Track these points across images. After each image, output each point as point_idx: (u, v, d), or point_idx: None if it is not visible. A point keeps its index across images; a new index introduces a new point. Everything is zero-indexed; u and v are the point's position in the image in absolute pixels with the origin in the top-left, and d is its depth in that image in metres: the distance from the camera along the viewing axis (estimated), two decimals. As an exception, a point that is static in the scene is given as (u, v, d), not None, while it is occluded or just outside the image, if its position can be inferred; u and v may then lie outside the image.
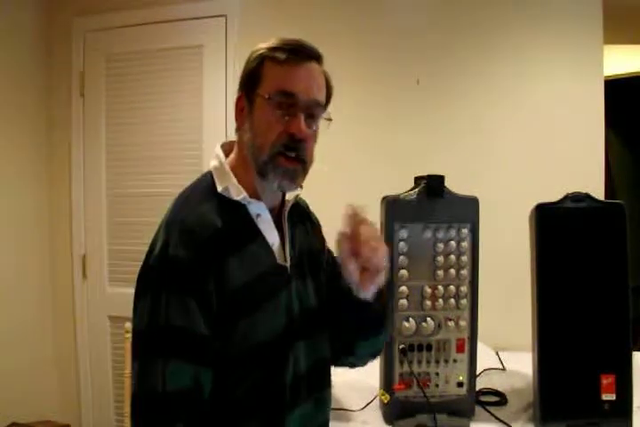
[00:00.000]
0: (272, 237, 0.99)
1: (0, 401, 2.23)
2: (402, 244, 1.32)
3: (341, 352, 1.10)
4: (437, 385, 1.34)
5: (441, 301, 1.33)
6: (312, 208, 1.17)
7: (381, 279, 0.98)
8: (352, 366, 1.15)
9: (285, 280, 0.99)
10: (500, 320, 1.78)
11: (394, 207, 1.33)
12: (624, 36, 2.70)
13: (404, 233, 1.32)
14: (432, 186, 1.33)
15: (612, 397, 1.27)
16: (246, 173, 0.97)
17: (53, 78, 2.58)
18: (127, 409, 1.72)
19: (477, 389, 1.41)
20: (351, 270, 0.94)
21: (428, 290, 1.33)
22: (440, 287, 1.33)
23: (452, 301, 1.34)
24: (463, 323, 1.34)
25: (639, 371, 1.35)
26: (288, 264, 1.00)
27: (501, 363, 1.75)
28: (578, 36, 2.10)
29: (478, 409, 1.39)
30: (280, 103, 0.93)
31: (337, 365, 1.12)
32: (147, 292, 0.90)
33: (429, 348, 1.34)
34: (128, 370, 1.80)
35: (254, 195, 0.97)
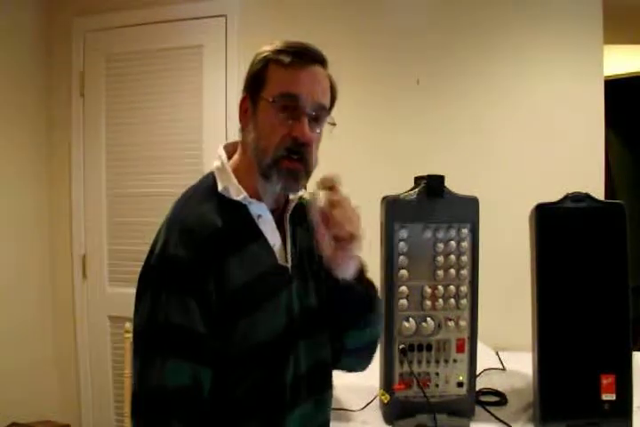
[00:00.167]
0: (273, 237, 0.99)
1: (0, 401, 2.23)
2: (402, 244, 1.32)
3: (338, 351, 1.09)
4: (437, 385, 1.34)
5: (441, 301, 1.33)
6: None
7: (358, 258, 0.96)
8: (350, 368, 1.14)
9: (286, 280, 0.99)
10: (500, 320, 1.78)
11: (394, 207, 1.33)
12: (624, 36, 2.70)
13: (403, 233, 1.32)
14: (432, 186, 1.33)
15: (612, 397, 1.27)
16: (248, 173, 0.97)
17: (53, 78, 2.58)
18: (127, 409, 1.72)
19: (477, 389, 1.41)
20: (321, 240, 0.91)
21: (428, 290, 1.33)
22: (440, 287, 1.33)
23: (452, 301, 1.34)
24: (463, 323, 1.34)
25: (639, 371, 1.35)
26: (289, 265, 1.00)
27: (501, 363, 1.75)
28: (578, 36, 2.10)
29: (478, 409, 1.39)
30: (284, 106, 0.93)
31: (336, 367, 1.11)
32: (147, 291, 0.91)
33: (429, 348, 1.34)
34: (128, 370, 1.80)
35: (255, 195, 0.97)
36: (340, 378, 1.13)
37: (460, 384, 1.35)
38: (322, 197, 0.91)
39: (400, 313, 1.32)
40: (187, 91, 2.40)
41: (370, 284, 1.05)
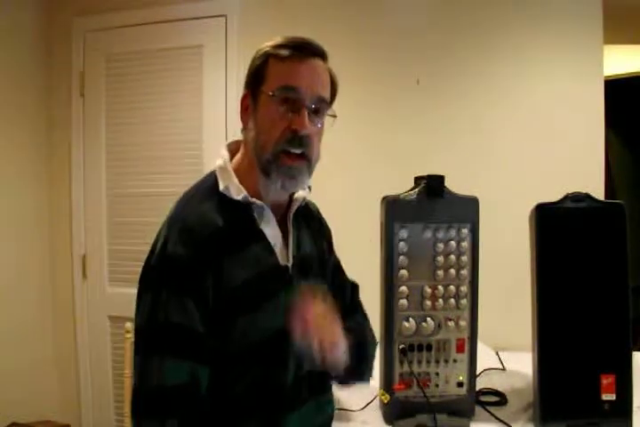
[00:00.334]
0: (274, 237, 0.99)
1: (0, 401, 2.23)
2: (402, 244, 1.32)
3: None
4: (437, 385, 1.34)
5: (441, 301, 1.33)
6: (309, 205, 1.16)
7: (343, 346, 0.95)
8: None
9: (286, 281, 0.98)
10: (500, 320, 1.78)
11: (394, 207, 1.33)
12: (624, 36, 2.70)
13: (404, 233, 1.32)
14: (432, 186, 1.33)
15: (612, 397, 1.27)
16: (250, 172, 0.97)
17: (53, 78, 2.58)
18: (127, 409, 1.72)
19: (477, 389, 1.41)
20: (303, 348, 0.89)
21: (428, 290, 1.33)
22: (440, 287, 1.33)
23: (452, 301, 1.34)
24: (463, 323, 1.34)
25: (639, 371, 1.35)
26: (290, 265, 1.00)
27: (501, 363, 1.75)
28: (578, 36, 2.10)
29: (478, 409, 1.39)
30: (283, 99, 0.93)
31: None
32: (147, 290, 0.91)
33: (429, 348, 1.33)
34: (128, 370, 1.80)
35: (257, 195, 0.97)
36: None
37: (459, 384, 1.35)
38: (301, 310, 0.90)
39: (400, 313, 1.32)
40: (187, 91, 2.40)
41: (361, 354, 1.07)
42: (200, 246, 0.89)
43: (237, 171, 0.98)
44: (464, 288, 1.34)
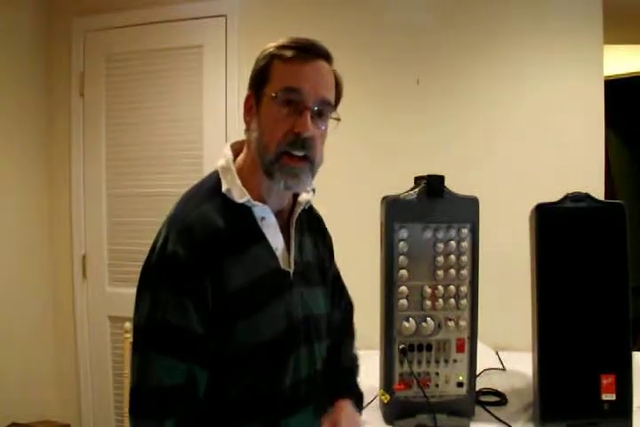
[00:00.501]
0: (276, 241, 0.98)
1: (0, 401, 2.23)
2: (402, 244, 1.32)
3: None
4: (437, 385, 1.34)
5: (441, 301, 1.33)
6: (313, 209, 1.17)
7: None
8: None
9: (287, 285, 0.98)
10: (500, 320, 1.78)
11: (394, 207, 1.33)
12: (624, 36, 2.70)
13: (404, 233, 1.32)
14: (432, 186, 1.33)
15: (612, 397, 1.27)
16: (253, 173, 0.96)
17: (53, 78, 2.58)
18: (127, 409, 1.72)
19: (477, 389, 1.41)
20: None
21: (428, 290, 1.33)
22: (440, 287, 1.33)
23: (452, 301, 1.34)
24: (463, 323, 1.34)
25: (639, 371, 1.35)
26: (291, 270, 0.99)
27: (501, 363, 1.75)
28: (578, 36, 2.10)
29: (478, 409, 1.39)
30: (286, 101, 0.92)
31: None
32: (146, 289, 0.90)
33: (429, 348, 1.34)
34: (128, 370, 1.80)
35: (259, 197, 0.96)
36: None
37: (459, 384, 1.35)
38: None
39: (400, 313, 1.32)
40: (187, 91, 2.40)
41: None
42: (200, 247, 0.89)
43: (240, 171, 0.97)
44: (464, 288, 1.34)
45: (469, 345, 1.35)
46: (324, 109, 0.95)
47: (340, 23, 2.23)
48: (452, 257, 1.33)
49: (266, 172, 0.94)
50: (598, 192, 1.85)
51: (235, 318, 0.90)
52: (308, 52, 0.93)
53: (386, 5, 2.23)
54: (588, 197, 1.33)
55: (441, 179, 1.34)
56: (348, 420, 1.04)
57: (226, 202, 0.94)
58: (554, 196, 1.33)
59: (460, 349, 1.35)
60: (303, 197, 1.05)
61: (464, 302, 1.34)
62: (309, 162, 0.94)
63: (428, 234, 1.33)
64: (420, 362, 1.34)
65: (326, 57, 0.96)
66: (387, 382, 1.33)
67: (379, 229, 1.36)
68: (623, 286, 1.30)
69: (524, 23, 2.14)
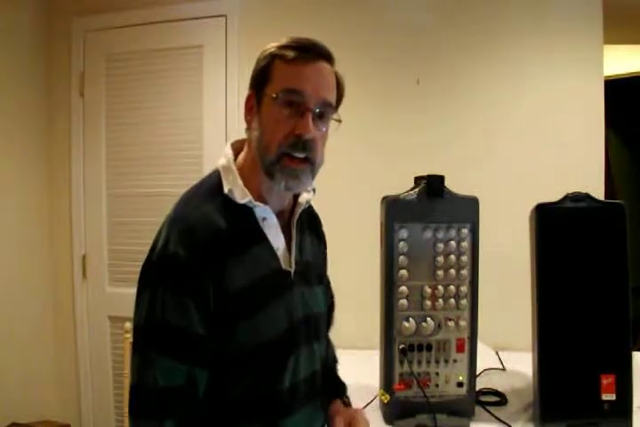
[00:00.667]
0: (277, 241, 0.98)
1: (0, 401, 2.23)
2: (402, 244, 1.32)
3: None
4: (437, 385, 1.34)
5: (441, 301, 1.33)
6: (312, 207, 1.17)
7: None
8: None
9: (288, 285, 0.98)
10: (500, 320, 1.78)
11: (394, 207, 1.33)
12: (624, 36, 2.70)
13: (404, 233, 1.32)
14: (432, 186, 1.33)
15: (612, 397, 1.27)
16: (254, 173, 0.96)
17: (53, 78, 2.58)
18: (127, 409, 1.72)
19: (477, 389, 1.41)
20: None
21: (428, 290, 1.33)
22: (440, 287, 1.33)
23: (452, 301, 1.34)
24: (463, 323, 1.34)
25: (639, 371, 1.35)
26: (292, 270, 0.99)
27: (501, 363, 1.75)
28: (578, 36, 2.10)
29: (478, 409, 1.39)
30: (287, 102, 0.91)
31: None
32: (146, 289, 0.90)
33: (429, 348, 1.34)
34: (128, 370, 1.80)
35: (260, 198, 0.96)
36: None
37: (459, 384, 1.35)
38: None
39: (400, 313, 1.32)
40: (187, 91, 2.39)
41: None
42: (202, 248, 0.88)
43: (241, 170, 0.97)
44: (464, 288, 1.34)
45: (469, 345, 1.35)
46: (326, 111, 0.94)
47: (339, 23, 2.23)
48: (452, 257, 1.33)
49: (266, 172, 0.94)
50: (598, 192, 1.85)
51: (236, 318, 0.90)
52: (310, 52, 0.93)
53: (386, 5, 2.23)
54: (588, 197, 1.33)
55: (441, 179, 1.34)
56: (363, 418, 1.04)
57: (227, 202, 0.94)
58: (554, 196, 1.33)
59: (460, 349, 1.35)
60: (304, 196, 1.05)
61: (464, 302, 1.34)
62: (310, 163, 0.94)
63: (428, 234, 1.33)
64: (419, 362, 1.34)
65: (328, 57, 0.95)
66: (387, 382, 1.33)
67: (379, 229, 1.36)
68: (623, 286, 1.30)
69: (523, 23, 2.14)
